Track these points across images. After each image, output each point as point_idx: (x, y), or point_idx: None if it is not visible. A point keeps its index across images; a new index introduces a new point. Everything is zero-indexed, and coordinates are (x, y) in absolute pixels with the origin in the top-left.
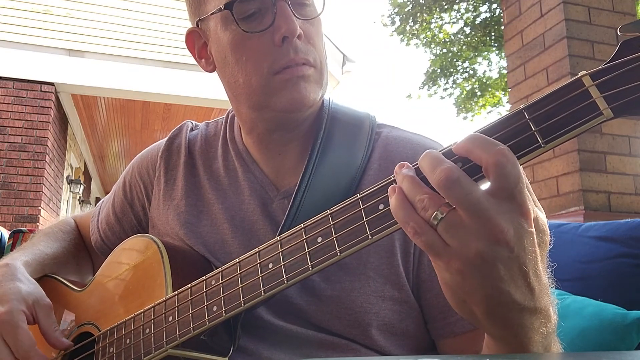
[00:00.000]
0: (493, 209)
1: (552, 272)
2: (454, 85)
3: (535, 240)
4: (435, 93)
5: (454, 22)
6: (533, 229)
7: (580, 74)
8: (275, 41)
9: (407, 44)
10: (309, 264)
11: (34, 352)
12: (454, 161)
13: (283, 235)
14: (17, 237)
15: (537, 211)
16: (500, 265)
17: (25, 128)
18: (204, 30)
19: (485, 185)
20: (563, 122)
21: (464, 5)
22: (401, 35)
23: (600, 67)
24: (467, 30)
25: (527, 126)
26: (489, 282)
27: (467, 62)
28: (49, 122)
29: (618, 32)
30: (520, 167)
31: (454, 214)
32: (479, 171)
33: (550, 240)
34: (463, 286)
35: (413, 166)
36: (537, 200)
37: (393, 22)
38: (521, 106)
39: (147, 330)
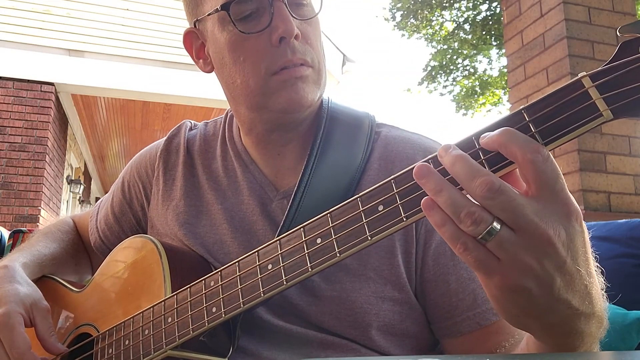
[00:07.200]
0: (539, 213)
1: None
2: (454, 83)
3: (587, 239)
4: (434, 90)
5: (454, 20)
6: (583, 228)
7: (580, 75)
8: (273, 42)
9: (409, 38)
10: (309, 265)
11: (29, 355)
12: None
13: (282, 236)
14: (17, 237)
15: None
16: (555, 273)
17: (25, 128)
18: (202, 31)
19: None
20: (563, 124)
21: (464, 2)
22: (402, 31)
23: (600, 68)
24: (467, 28)
25: (527, 127)
26: (545, 292)
27: (467, 59)
28: (49, 122)
29: (618, 33)
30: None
31: (506, 226)
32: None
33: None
34: (518, 302)
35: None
36: None
37: (394, 18)
38: (521, 107)
39: (146, 332)
